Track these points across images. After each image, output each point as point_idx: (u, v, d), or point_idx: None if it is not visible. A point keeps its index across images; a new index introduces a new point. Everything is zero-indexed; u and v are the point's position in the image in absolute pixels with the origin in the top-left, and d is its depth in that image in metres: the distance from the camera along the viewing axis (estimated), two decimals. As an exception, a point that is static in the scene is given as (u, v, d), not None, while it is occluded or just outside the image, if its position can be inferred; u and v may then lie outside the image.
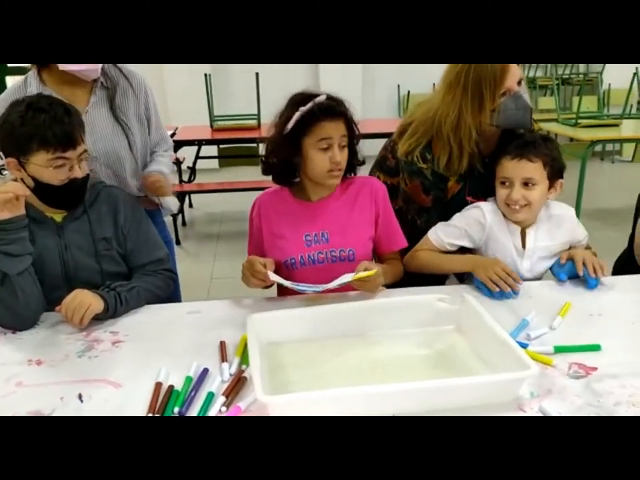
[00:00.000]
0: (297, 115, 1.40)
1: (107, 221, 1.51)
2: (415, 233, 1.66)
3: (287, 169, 1.49)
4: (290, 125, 1.41)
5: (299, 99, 1.43)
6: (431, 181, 1.65)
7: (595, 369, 1.17)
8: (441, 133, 1.59)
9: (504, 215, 1.59)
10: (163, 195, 1.75)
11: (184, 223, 4.68)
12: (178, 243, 4.16)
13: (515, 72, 1.50)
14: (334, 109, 1.41)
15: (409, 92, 6.41)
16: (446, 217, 1.67)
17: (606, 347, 1.25)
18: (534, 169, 1.51)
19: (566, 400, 1.07)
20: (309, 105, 1.39)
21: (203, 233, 4.58)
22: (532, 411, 1.04)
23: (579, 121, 4.75)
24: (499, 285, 1.46)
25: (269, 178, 1.55)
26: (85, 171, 1.42)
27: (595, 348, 1.24)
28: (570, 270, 1.54)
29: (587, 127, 4.66)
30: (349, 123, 1.45)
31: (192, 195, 5.08)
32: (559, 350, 1.24)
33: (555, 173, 1.55)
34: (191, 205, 5.18)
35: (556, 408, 1.04)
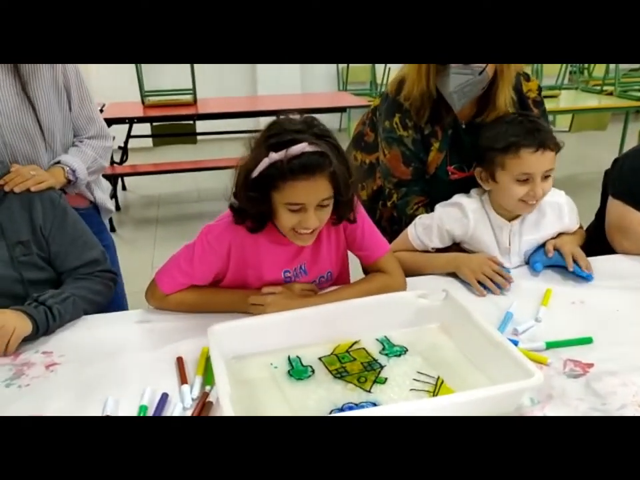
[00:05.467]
0: (264, 163, 1.07)
1: (21, 222, 1.29)
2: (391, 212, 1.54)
3: (256, 217, 1.18)
4: (256, 172, 1.08)
5: (273, 140, 1.07)
6: (412, 151, 1.53)
7: (592, 365, 1.09)
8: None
9: (487, 212, 1.46)
10: (23, 188, 1.30)
11: (118, 208, 4.36)
12: (113, 230, 3.86)
13: None
14: (311, 168, 1.06)
15: (347, 65, 6.27)
16: (427, 194, 1.57)
17: (597, 338, 1.17)
18: (552, 158, 1.35)
19: (569, 405, 0.98)
20: (280, 154, 1.05)
21: (140, 218, 4.29)
22: (536, 421, 0.94)
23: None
24: (486, 286, 1.36)
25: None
26: None
27: (587, 341, 1.16)
28: (547, 260, 1.45)
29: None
30: (335, 178, 1.10)
31: (125, 178, 4.77)
32: (551, 345, 1.14)
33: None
34: (124, 188, 4.85)
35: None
